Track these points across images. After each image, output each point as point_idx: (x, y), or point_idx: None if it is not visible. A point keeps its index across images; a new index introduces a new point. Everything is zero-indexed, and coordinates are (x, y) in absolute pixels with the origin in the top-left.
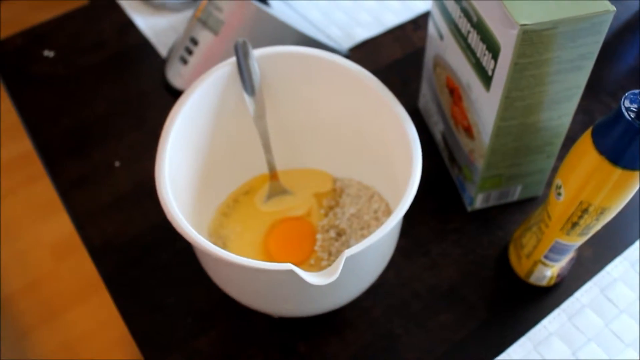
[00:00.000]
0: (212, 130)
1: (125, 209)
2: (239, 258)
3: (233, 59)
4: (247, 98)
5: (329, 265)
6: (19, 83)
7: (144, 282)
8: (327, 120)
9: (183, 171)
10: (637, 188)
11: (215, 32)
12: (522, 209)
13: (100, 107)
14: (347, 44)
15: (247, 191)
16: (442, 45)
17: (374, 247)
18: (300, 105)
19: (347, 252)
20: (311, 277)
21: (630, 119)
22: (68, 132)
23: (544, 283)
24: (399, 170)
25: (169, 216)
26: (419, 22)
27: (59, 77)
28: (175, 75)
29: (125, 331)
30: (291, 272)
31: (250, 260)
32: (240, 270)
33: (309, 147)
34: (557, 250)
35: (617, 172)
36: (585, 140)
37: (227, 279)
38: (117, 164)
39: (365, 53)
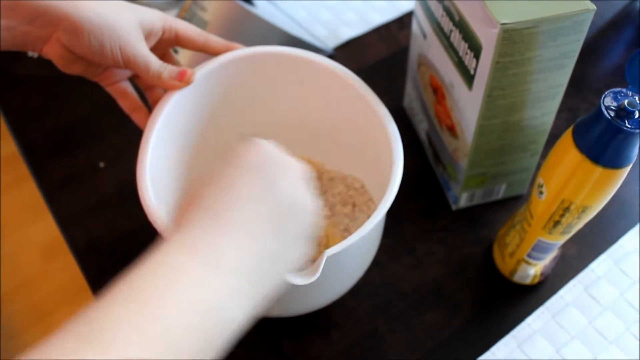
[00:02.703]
0: (194, 130)
1: (110, 210)
2: None
3: (214, 60)
4: None
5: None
6: (2, 84)
7: None
8: (311, 119)
9: (166, 171)
10: (618, 186)
11: None
12: (506, 207)
13: (84, 108)
14: (332, 43)
15: None
16: (425, 44)
17: (356, 246)
18: (284, 104)
19: (328, 252)
20: (292, 277)
21: (609, 117)
22: (52, 133)
23: (527, 281)
24: (382, 169)
25: (150, 218)
26: (404, 21)
27: (43, 78)
28: None
29: None
30: None
31: None
32: None
33: (294, 144)
34: (540, 249)
35: (598, 171)
36: (566, 139)
37: None
38: (101, 164)
39: (350, 52)
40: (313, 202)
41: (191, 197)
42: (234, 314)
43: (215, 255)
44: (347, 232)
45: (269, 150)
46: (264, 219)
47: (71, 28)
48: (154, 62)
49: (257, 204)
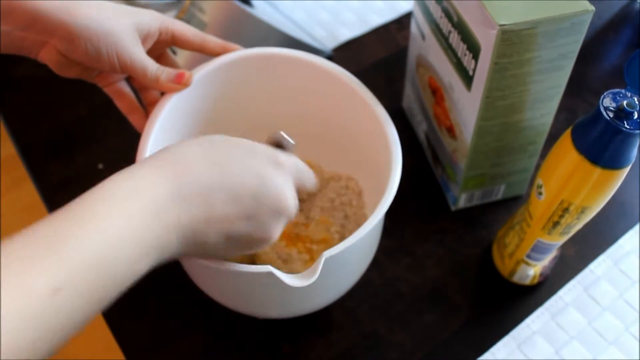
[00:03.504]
0: (192, 131)
1: None
2: (219, 262)
3: (212, 62)
4: None
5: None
6: (1, 86)
7: None
8: (310, 121)
9: None
10: (617, 187)
11: None
12: (506, 208)
13: (83, 110)
14: (331, 44)
15: None
16: (424, 45)
17: (354, 248)
18: (282, 105)
19: (326, 254)
20: (290, 279)
21: (608, 118)
22: (51, 135)
23: (527, 282)
24: (381, 170)
25: None
26: (403, 22)
27: (41, 79)
28: None
29: (110, 334)
30: (270, 274)
31: (229, 263)
32: (221, 273)
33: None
34: (539, 250)
35: (597, 172)
36: (565, 140)
37: (209, 282)
38: (100, 166)
39: (349, 53)
40: (275, 239)
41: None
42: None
43: (170, 201)
44: (340, 234)
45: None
46: (228, 218)
47: (67, 35)
48: (151, 66)
49: (231, 204)
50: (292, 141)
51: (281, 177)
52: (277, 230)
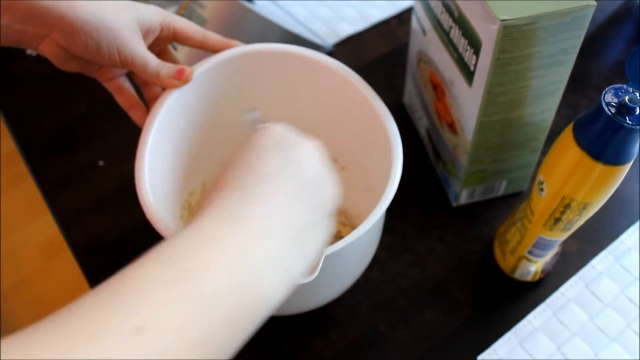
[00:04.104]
0: (193, 127)
1: (109, 209)
2: None
3: (212, 57)
4: None
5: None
6: (1, 82)
7: None
8: (310, 116)
9: (165, 169)
10: (619, 183)
11: None
12: (507, 204)
13: (83, 107)
14: (332, 39)
15: None
16: (425, 40)
17: (355, 244)
18: (283, 101)
19: (327, 250)
20: None
21: (610, 114)
22: (52, 132)
23: (528, 278)
24: (382, 166)
25: (148, 216)
26: (404, 17)
27: (42, 76)
28: None
29: None
30: None
31: None
32: None
33: None
34: (540, 246)
35: (599, 168)
36: (567, 136)
37: None
38: (101, 163)
39: (350, 49)
40: (331, 176)
41: (213, 182)
42: (274, 280)
43: (252, 224)
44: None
45: (282, 131)
46: (290, 191)
47: (68, 29)
48: (152, 61)
49: (281, 178)
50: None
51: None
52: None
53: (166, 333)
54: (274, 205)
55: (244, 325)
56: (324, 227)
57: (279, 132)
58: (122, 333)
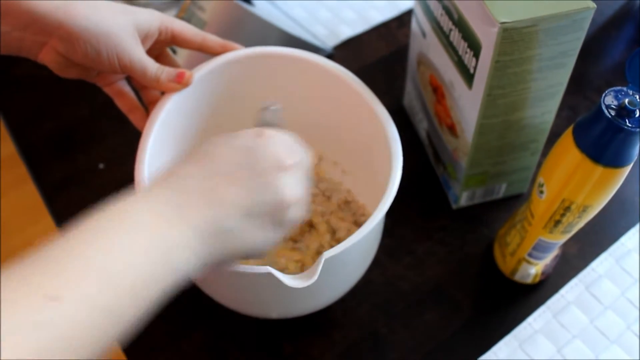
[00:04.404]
0: (193, 131)
1: None
2: None
3: (212, 61)
4: None
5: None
6: (2, 85)
7: None
8: (310, 119)
9: None
10: (618, 185)
11: None
12: (507, 206)
13: (84, 110)
14: (332, 42)
15: None
16: (425, 43)
17: (354, 248)
18: (283, 104)
19: (326, 254)
20: (289, 280)
21: (610, 116)
22: (52, 135)
23: (528, 281)
24: (381, 169)
25: None
26: (404, 19)
27: (42, 79)
28: None
29: None
30: (269, 275)
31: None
32: (221, 274)
33: None
34: (540, 248)
35: (599, 170)
36: (567, 138)
37: (210, 282)
38: (101, 166)
39: (350, 51)
40: (300, 195)
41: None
42: (180, 264)
43: (172, 210)
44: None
45: (287, 139)
46: (234, 196)
47: (67, 37)
48: (151, 66)
49: (231, 182)
50: (277, 107)
51: (272, 137)
52: (288, 188)
53: (77, 301)
54: (203, 202)
55: (151, 294)
56: (259, 239)
57: (267, 138)
58: (39, 300)
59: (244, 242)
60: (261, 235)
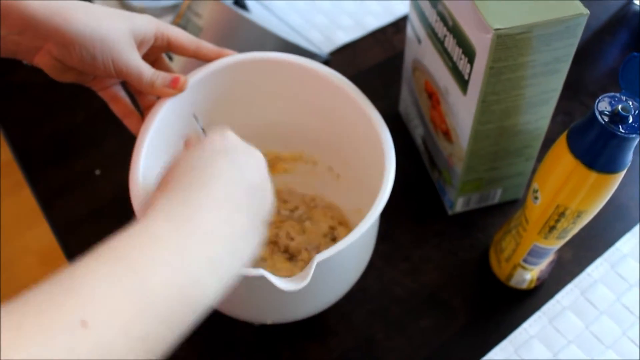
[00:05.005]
0: (187, 135)
1: (106, 217)
2: None
3: (207, 66)
4: None
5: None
6: None
7: None
8: (305, 125)
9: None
10: (613, 191)
11: None
12: (503, 212)
13: (80, 116)
14: (327, 47)
15: None
16: (420, 49)
17: (347, 251)
18: (277, 110)
19: (318, 257)
20: (282, 283)
21: (603, 122)
22: (48, 141)
23: (524, 286)
24: (375, 173)
25: None
26: (400, 25)
27: (38, 85)
28: None
29: None
30: (262, 278)
31: None
32: None
33: (287, 149)
34: (535, 254)
35: (593, 176)
36: (561, 144)
37: None
38: (97, 172)
39: (346, 57)
40: (270, 185)
41: (158, 183)
42: (211, 283)
43: (195, 227)
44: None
45: (233, 138)
46: (233, 198)
47: (62, 41)
48: (147, 71)
49: (226, 184)
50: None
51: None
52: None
53: (109, 328)
54: (216, 211)
55: (180, 322)
56: (259, 234)
57: (228, 139)
58: (68, 327)
59: (252, 248)
60: (259, 237)
